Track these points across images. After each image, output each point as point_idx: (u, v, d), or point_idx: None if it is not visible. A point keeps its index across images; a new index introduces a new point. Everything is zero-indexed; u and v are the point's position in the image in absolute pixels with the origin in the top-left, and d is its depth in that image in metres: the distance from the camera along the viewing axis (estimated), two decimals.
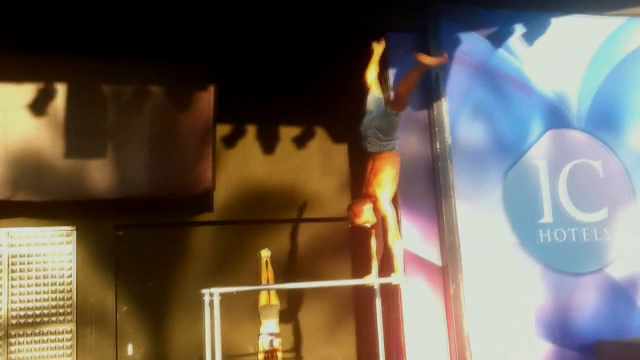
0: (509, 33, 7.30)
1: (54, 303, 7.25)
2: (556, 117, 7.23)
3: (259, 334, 7.46)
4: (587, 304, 6.88)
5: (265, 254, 7.74)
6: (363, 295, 7.05)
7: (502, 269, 6.73)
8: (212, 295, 5.00)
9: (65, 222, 7.36)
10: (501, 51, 7.23)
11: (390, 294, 6.26)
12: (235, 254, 7.75)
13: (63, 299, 7.27)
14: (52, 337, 7.17)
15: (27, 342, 7.10)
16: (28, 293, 7.21)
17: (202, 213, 7.73)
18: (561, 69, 7.35)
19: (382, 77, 6.51)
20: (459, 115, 6.95)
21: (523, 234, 6.87)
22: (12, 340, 7.05)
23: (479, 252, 6.70)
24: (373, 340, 5.86)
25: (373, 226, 5.74)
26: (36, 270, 7.28)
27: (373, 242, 5.81)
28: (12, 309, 7.12)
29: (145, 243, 7.57)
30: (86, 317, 7.20)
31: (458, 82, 7.02)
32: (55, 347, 7.16)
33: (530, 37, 7.32)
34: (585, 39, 7.50)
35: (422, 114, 6.96)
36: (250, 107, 7.80)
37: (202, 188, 7.45)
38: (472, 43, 7.16)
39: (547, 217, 6.99)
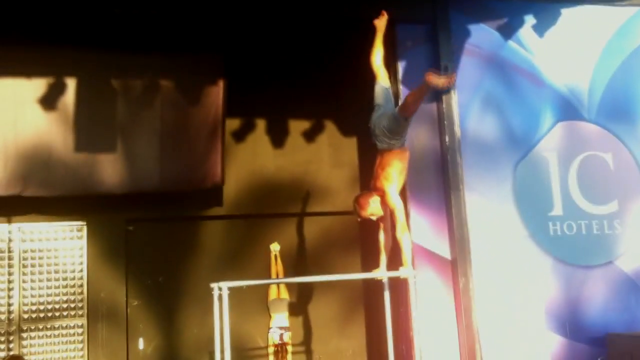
0: (519, 24, 7.23)
1: (65, 298, 7.30)
2: (567, 109, 7.17)
3: (269, 328, 7.50)
4: (598, 296, 6.83)
5: (274, 248, 7.75)
6: (372, 289, 7.06)
7: (511, 262, 6.70)
8: (221, 289, 5.01)
9: (76, 217, 7.40)
10: (511, 43, 7.17)
11: (400, 287, 6.24)
12: (245, 247, 7.77)
13: (74, 293, 7.33)
14: (64, 331, 7.23)
15: (39, 337, 7.16)
16: (40, 288, 7.27)
17: (212, 207, 7.74)
18: (572, 61, 7.28)
19: (390, 70, 6.46)
20: (468, 108, 6.91)
21: (533, 227, 6.84)
22: (24, 335, 7.12)
23: (489, 245, 6.67)
24: (382, 333, 5.87)
25: (381, 219, 5.73)
26: (47, 265, 7.33)
27: (382, 236, 5.80)
28: (24, 304, 7.18)
29: (156, 237, 7.61)
30: (97, 312, 7.24)
31: (468, 74, 6.97)
32: (66, 342, 7.23)
33: (540, 29, 7.25)
34: (597, 29, 7.42)
35: (431, 106, 6.91)
36: (259, 100, 7.79)
37: (212, 182, 7.45)
38: (481, 34, 7.11)
39: (558, 210, 6.94)
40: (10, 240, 7.28)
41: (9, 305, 7.14)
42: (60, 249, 7.39)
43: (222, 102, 7.37)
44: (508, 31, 7.19)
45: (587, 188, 7.04)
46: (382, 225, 5.80)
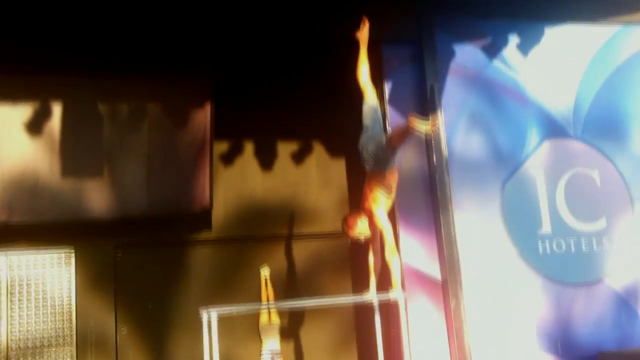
0: (503, 43, 7.30)
1: (53, 326, 7.21)
2: (553, 126, 7.22)
3: (261, 353, 7.43)
4: (589, 314, 6.84)
5: (264, 271, 7.71)
6: (363, 311, 7.02)
7: (502, 281, 6.70)
8: (210, 315, 4.97)
9: (64, 245, 7.33)
10: (496, 62, 7.23)
11: (390, 309, 6.22)
12: (235, 271, 7.71)
13: (63, 322, 7.24)
14: None
15: None
16: (28, 317, 7.17)
17: (201, 231, 7.70)
18: (556, 79, 7.35)
19: (377, 89, 6.40)
20: (455, 127, 6.95)
21: (522, 245, 6.86)
22: None
23: (479, 264, 6.68)
24: (374, 356, 5.83)
25: (371, 241, 5.71)
26: (35, 294, 7.24)
27: (371, 258, 5.78)
28: (12, 333, 7.08)
29: (145, 263, 7.54)
30: (86, 340, 7.13)
31: (454, 93, 7.02)
32: None
33: (524, 47, 7.32)
34: (580, 47, 7.51)
35: None
36: (247, 122, 7.78)
37: (200, 206, 7.41)
38: (467, 54, 7.17)
39: (546, 228, 6.97)
40: None
41: None
42: (48, 277, 7.31)
43: (210, 125, 7.35)
44: (493, 50, 7.25)
45: (575, 205, 7.07)
46: (371, 247, 5.79)
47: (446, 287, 6.53)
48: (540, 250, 6.90)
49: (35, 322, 7.18)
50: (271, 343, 7.43)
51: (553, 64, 7.34)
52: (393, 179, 5.63)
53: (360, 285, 6.79)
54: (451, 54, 7.13)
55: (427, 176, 6.84)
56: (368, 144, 5.52)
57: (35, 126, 6.89)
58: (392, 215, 5.91)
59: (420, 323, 6.46)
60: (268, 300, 7.58)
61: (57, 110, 6.94)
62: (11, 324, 7.10)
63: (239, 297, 7.38)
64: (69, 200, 7.00)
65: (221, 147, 7.80)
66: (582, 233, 7.05)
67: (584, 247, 7.02)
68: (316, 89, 7.66)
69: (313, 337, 7.72)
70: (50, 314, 7.24)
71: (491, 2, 7.17)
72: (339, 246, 7.58)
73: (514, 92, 7.20)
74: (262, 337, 7.47)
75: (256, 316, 7.54)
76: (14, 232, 7.01)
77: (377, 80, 6.53)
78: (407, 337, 5.41)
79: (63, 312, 7.26)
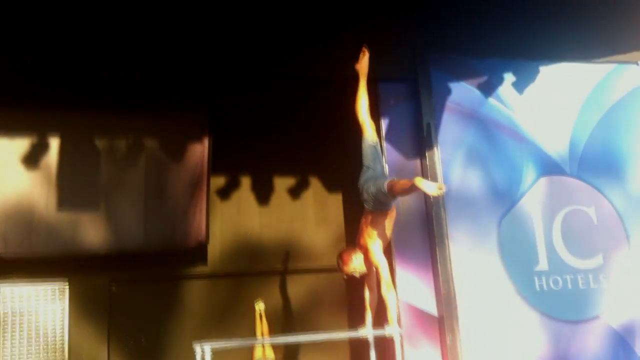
0: (498, 82, 7.37)
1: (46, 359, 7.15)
2: (548, 164, 7.25)
3: None
4: (586, 352, 6.78)
5: (259, 306, 7.67)
6: (359, 347, 6.95)
7: (499, 317, 6.66)
8: (204, 350, 4.93)
9: (58, 278, 7.29)
10: (491, 99, 7.29)
11: (386, 345, 6.16)
12: (230, 306, 7.67)
13: (55, 355, 7.17)
14: None
15: None
16: (20, 350, 7.10)
17: (197, 266, 7.67)
18: (552, 116, 7.40)
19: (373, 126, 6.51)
20: (451, 164, 6.97)
21: (519, 282, 6.82)
22: None
23: (476, 301, 6.64)
24: None
25: (367, 277, 5.68)
26: (28, 326, 7.18)
27: (367, 293, 5.75)
28: None
29: (139, 297, 7.50)
30: None
31: (450, 130, 7.06)
32: None
33: (520, 85, 7.38)
34: (575, 86, 7.57)
35: (414, 163, 6.97)
36: (244, 158, 7.82)
37: (197, 241, 7.40)
38: (462, 92, 7.22)
39: (543, 265, 6.95)
40: None
41: None
42: (42, 310, 7.26)
43: (207, 160, 7.36)
44: (488, 88, 7.32)
45: (572, 242, 7.06)
46: (367, 282, 5.76)
47: (442, 323, 6.48)
48: (537, 286, 6.87)
49: (27, 355, 7.11)
50: None
51: (548, 102, 7.40)
52: (391, 217, 5.62)
53: (356, 320, 6.74)
54: (447, 92, 7.19)
55: (424, 212, 6.84)
56: (369, 184, 5.43)
57: (32, 160, 6.91)
58: (388, 250, 5.90)
59: (416, 359, 6.40)
60: (263, 335, 7.52)
61: (54, 144, 6.97)
62: (3, 357, 7.02)
63: (233, 332, 7.30)
64: (64, 233, 6.98)
65: (218, 181, 7.82)
66: (578, 270, 7.02)
67: (580, 284, 6.99)
68: (314, 125, 7.71)
69: None
70: (43, 347, 7.17)
71: (486, 41, 7.26)
72: (335, 281, 7.55)
73: (509, 129, 7.25)
74: None
75: (250, 351, 7.48)
76: (8, 264, 6.98)
77: (374, 117, 6.53)
78: None
79: (56, 346, 7.19)
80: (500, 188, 7.05)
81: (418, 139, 7.01)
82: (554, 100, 7.44)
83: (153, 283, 7.57)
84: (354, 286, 6.58)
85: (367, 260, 5.49)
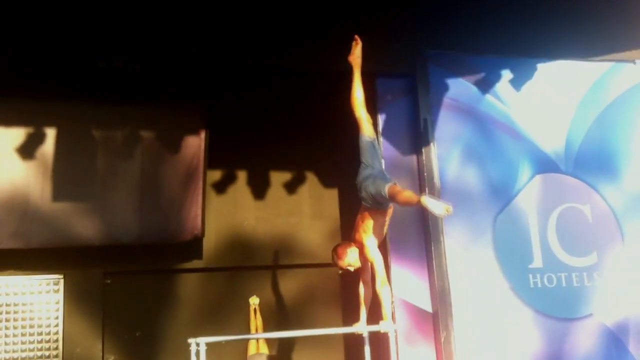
0: (496, 78, 7.36)
1: (40, 353, 7.14)
2: (544, 161, 7.25)
3: None
4: (580, 349, 6.80)
5: (253, 301, 7.67)
6: (353, 343, 6.97)
7: (493, 314, 6.67)
8: (199, 344, 4.93)
9: (53, 270, 7.29)
10: (489, 96, 7.28)
11: (380, 340, 6.18)
12: (224, 301, 7.68)
13: (49, 348, 7.17)
14: None
15: None
16: (14, 343, 7.11)
17: (192, 260, 7.67)
18: (549, 114, 7.40)
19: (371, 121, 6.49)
20: (447, 160, 6.97)
21: (514, 279, 6.84)
22: None
23: (470, 297, 6.65)
24: None
25: (362, 272, 5.68)
26: (22, 319, 7.18)
27: (362, 289, 5.74)
28: None
29: (134, 290, 7.51)
30: None
31: (447, 127, 7.05)
32: None
33: (517, 83, 7.38)
34: (572, 84, 7.57)
35: (411, 158, 6.98)
36: (240, 152, 7.81)
37: (192, 234, 7.40)
38: (460, 88, 7.21)
39: (538, 262, 6.96)
40: None
41: None
42: (36, 303, 7.25)
43: (204, 153, 7.35)
44: (485, 85, 7.31)
45: (566, 240, 7.07)
46: (362, 278, 5.75)
47: (437, 319, 6.50)
48: (531, 284, 6.88)
49: (21, 348, 7.11)
50: None
51: (545, 100, 7.40)
52: (387, 214, 5.61)
53: (350, 316, 6.75)
54: (444, 88, 7.18)
55: (420, 208, 6.81)
56: (367, 183, 5.38)
57: (27, 150, 6.87)
58: (384, 247, 5.90)
59: (410, 355, 6.42)
60: (257, 330, 7.53)
61: (50, 134, 6.93)
62: None
63: (228, 327, 7.34)
64: (59, 225, 6.97)
65: (214, 175, 7.82)
66: (573, 268, 7.04)
67: (575, 282, 7.01)
68: (310, 120, 7.71)
69: None
70: (37, 339, 7.17)
71: (484, 38, 7.26)
72: (330, 277, 7.57)
73: (506, 126, 7.25)
74: None
75: (245, 346, 7.49)
76: (3, 256, 6.97)
77: (371, 112, 6.53)
78: None
79: (50, 338, 7.19)
80: (496, 185, 7.05)
81: (415, 135, 7.01)
82: (550, 97, 7.44)
83: (148, 276, 7.58)
84: (349, 282, 6.58)
85: (362, 256, 5.49)
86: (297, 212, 8.11)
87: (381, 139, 6.81)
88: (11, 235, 6.83)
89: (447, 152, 6.98)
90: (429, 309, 6.61)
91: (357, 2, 6.97)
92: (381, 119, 6.96)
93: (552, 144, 7.32)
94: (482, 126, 7.19)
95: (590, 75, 7.66)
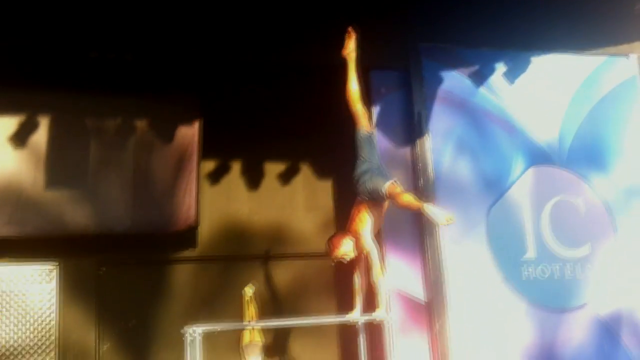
0: (490, 71, 7.40)
1: (34, 342, 7.10)
2: (538, 154, 7.31)
3: None
4: (572, 340, 6.87)
5: (248, 290, 7.68)
6: (348, 332, 7.00)
7: (486, 305, 6.73)
8: (194, 333, 4.95)
9: (47, 260, 7.27)
10: (482, 89, 7.32)
11: (375, 330, 6.22)
12: (218, 290, 7.67)
13: (44, 337, 7.15)
14: None
15: None
16: (7, 332, 7.09)
17: (186, 249, 7.67)
18: (542, 107, 7.45)
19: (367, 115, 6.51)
20: (442, 153, 7.01)
21: (507, 270, 6.89)
22: None
23: (464, 288, 6.71)
24: None
25: (356, 262, 5.72)
26: (16, 308, 7.16)
27: (357, 279, 5.78)
28: None
29: (128, 280, 7.48)
30: (67, 356, 7.03)
31: (441, 119, 7.10)
32: None
33: (511, 76, 7.42)
34: (566, 77, 7.63)
35: (405, 151, 7.02)
36: (234, 142, 7.79)
37: (186, 224, 7.38)
38: (454, 81, 7.26)
39: (531, 254, 7.02)
40: None
41: None
42: (30, 292, 7.23)
43: (198, 143, 7.33)
44: (479, 78, 7.36)
45: (560, 232, 7.13)
46: (357, 268, 5.79)
47: (431, 310, 6.55)
48: (524, 275, 6.94)
49: (16, 336, 7.08)
50: None
51: (539, 93, 7.45)
52: (384, 206, 5.64)
53: (344, 306, 6.79)
54: (438, 81, 7.22)
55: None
56: (365, 179, 5.44)
57: (20, 139, 6.82)
58: (379, 238, 5.93)
59: (404, 345, 6.46)
60: (251, 319, 7.54)
61: (42, 124, 6.88)
62: None
63: (221, 316, 7.31)
64: (52, 214, 6.93)
65: (208, 166, 7.79)
66: (566, 259, 7.10)
67: (568, 273, 7.07)
68: (305, 112, 7.70)
69: (296, 356, 7.69)
70: (31, 328, 7.15)
71: (478, 31, 7.29)
72: (324, 267, 7.55)
73: (500, 119, 7.29)
74: (245, 356, 7.42)
75: (238, 335, 7.51)
76: None
77: (366, 105, 6.57)
78: (392, 358, 5.40)
79: (44, 328, 7.17)
80: (490, 177, 7.10)
81: (409, 128, 7.05)
82: (544, 91, 7.49)
83: (142, 266, 7.55)
84: (343, 272, 6.60)
85: (358, 246, 5.52)
86: (291, 203, 8.11)
87: (375, 131, 6.82)
88: (5, 223, 6.79)
89: (441, 144, 7.02)
90: (423, 299, 6.65)
91: None
92: (376, 111, 7.00)
93: (545, 136, 7.38)
94: (476, 119, 7.24)
95: (583, 69, 7.71)
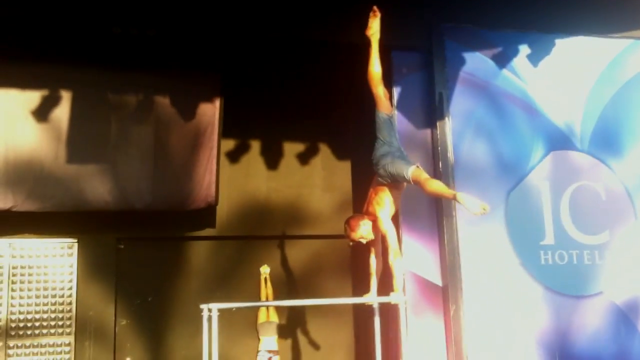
0: (513, 54, 7.29)
1: (53, 315, 7.24)
2: (559, 138, 7.21)
3: (258, 351, 7.45)
4: (588, 327, 6.83)
5: (264, 270, 7.73)
6: (362, 314, 7.03)
7: (503, 290, 6.69)
8: (211, 310, 4.98)
9: (67, 235, 7.36)
10: (505, 72, 7.23)
11: (390, 313, 6.22)
12: (236, 269, 7.74)
13: (63, 311, 7.26)
14: (51, 349, 7.15)
15: (25, 354, 7.08)
16: (28, 304, 7.20)
17: (204, 228, 7.72)
18: (565, 91, 7.34)
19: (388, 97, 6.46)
20: (462, 135, 6.95)
21: (524, 255, 6.84)
22: (11, 351, 7.04)
23: (480, 272, 6.67)
24: (371, 359, 5.83)
25: (373, 244, 5.69)
26: (37, 282, 7.27)
27: (372, 260, 5.75)
28: (12, 320, 7.11)
29: (146, 257, 7.57)
30: (85, 330, 7.18)
31: (462, 102, 7.02)
32: None
33: (534, 58, 7.31)
34: (590, 60, 7.50)
35: (425, 132, 6.97)
36: (254, 122, 7.81)
37: (206, 202, 7.40)
38: (476, 63, 7.16)
39: (549, 239, 6.95)
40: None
41: None
42: (50, 266, 7.34)
43: (218, 121, 7.33)
44: (502, 60, 7.25)
45: (579, 218, 7.06)
46: (373, 249, 5.76)
47: (446, 293, 6.53)
48: (542, 260, 6.89)
49: (35, 310, 7.20)
50: (269, 341, 7.45)
51: (563, 76, 7.33)
52: (401, 186, 5.60)
53: (360, 288, 6.81)
54: (461, 63, 7.13)
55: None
56: (386, 162, 5.33)
57: (43, 115, 6.88)
58: (395, 220, 5.90)
59: (419, 328, 6.46)
60: (267, 298, 7.60)
61: (65, 100, 6.93)
62: (11, 311, 7.12)
63: (238, 295, 7.41)
64: (73, 189, 6.99)
65: (227, 144, 7.82)
66: (585, 245, 7.03)
67: (586, 260, 7.01)
68: (325, 92, 7.70)
69: (311, 337, 7.75)
70: (51, 302, 7.27)
71: (502, 12, 7.19)
72: (340, 248, 7.59)
73: (522, 102, 7.20)
74: (260, 334, 7.49)
75: (255, 314, 7.57)
76: (18, 219, 7.03)
77: (387, 86, 6.49)
78: (406, 341, 5.40)
79: (63, 302, 7.28)
80: (510, 161, 7.03)
81: (429, 109, 6.99)
82: (568, 74, 7.37)
83: (161, 242, 7.63)
84: (359, 254, 6.62)
85: (375, 228, 5.50)
86: (309, 183, 8.12)
87: (396, 112, 6.77)
88: (26, 197, 6.86)
89: (461, 126, 6.96)
90: (439, 282, 6.64)
91: None
92: (396, 92, 6.94)
93: (568, 121, 7.28)
94: (498, 101, 7.15)
95: (608, 52, 7.58)
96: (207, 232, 7.72)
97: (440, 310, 6.56)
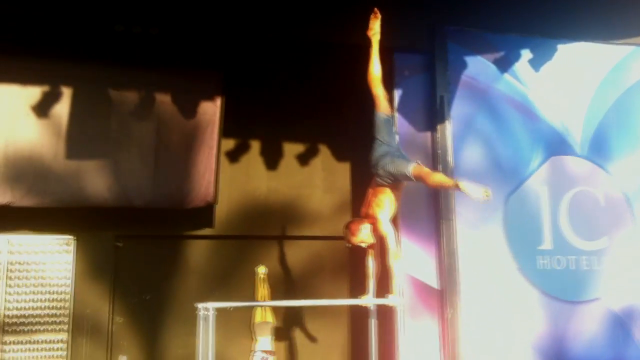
0: (515, 58, 7.31)
1: (49, 312, 7.22)
2: (560, 143, 7.23)
3: (253, 351, 7.43)
4: (585, 332, 6.84)
5: (260, 270, 7.71)
6: (359, 315, 7.01)
7: (500, 294, 6.71)
8: (207, 309, 4.98)
9: (65, 231, 7.35)
10: (507, 76, 7.24)
11: (386, 315, 6.21)
12: (233, 269, 7.72)
13: (59, 308, 7.24)
14: (46, 345, 7.14)
15: (21, 350, 7.06)
16: (24, 301, 7.19)
17: (203, 227, 7.71)
18: (567, 96, 7.35)
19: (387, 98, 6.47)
20: (462, 139, 6.96)
21: (522, 260, 6.85)
22: (6, 347, 7.02)
23: (478, 276, 6.68)
24: None
25: (371, 246, 5.69)
26: (34, 278, 7.25)
27: (370, 262, 5.75)
28: (7, 316, 7.09)
29: (144, 255, 7.55)
30: (81, 327, 7.15)
31: (463, 105, 7.03)
32: (48, 357, 7.12)
33: (536, 63, 7.32)
34: (592, 66, 7.51)
35: (425, 135, 6.98)
36: (255, 121, 7.80)
37: (205, 201, 7.39)
38: (478, 66, 7.18)
39: (547, 244, 6.97)
40: None
41: None
42: (48, 263, 7.33)
43: (219, 120, 7.34)
44: (504, 64, 7.26)
45: (578, 223, 7.07)
46: (371, 251, 5.75)
47: (444, 296, 6.53)
48: (540, 265, 6.90)
49: (32, 306, 7.19)
50: (264, 341, 7.43)
51: (564, 82, 7.35)
52: (400, 187, 5.60)
53: (357, 289, 6.77)
54: (463, 66, 7.14)
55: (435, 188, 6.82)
56: (385, 162, 5.36)
57: (43, 111, 6.88)
58: (394, 223, 5.89)
59: (415, 329, 6.46)
60: (264, 299, 7.58)
61: (66, 96, 6.93)
62: (7, 307, 7.11)
63: (235, 295, 7.38)
64: (73, 185, 6.98)
65: (228, 143, 7.81)
66: (583, 251, 7.04)
67: (583, 265, 7.02)
68: (326, 92, 7.68)
69: (306, 338, 7.73)
70: (48, 299, 7.25)
71: (505, 16, 7.20)
72: (339, 250, 7.56)
73: (523, 106, 7.21)
74: (256, 335, 7.47)
75: (250, 314, 7.55)
76: (16, 215, 7.02)
77: (388, 87, 6.52)
78: (402, 343, 5.40)
79: (60, 298, 7.27)
80: (510, 165, 7.04)
81: (430, 112, 7.00)
82: (569, 80, 7.39)
83: (159, 241, 7.61)
84: (357, 255, 6.59)
85: (375, 230, 5.49)
86: (309, 184, 8.11)
87: (396, 114, 6.78)
88: (25, 193, 6.85)
89: (462, 130, 6.97)
90: (436, 285, 6.63)
91: None
92: (397, 94, 6.95)
93: (568, 126, 7.29)
94: (499, 105, 7.17)
95: (610, 59, 7.59)
96: (206, 231, 7.70)
97: (437, 313, 6.58)
